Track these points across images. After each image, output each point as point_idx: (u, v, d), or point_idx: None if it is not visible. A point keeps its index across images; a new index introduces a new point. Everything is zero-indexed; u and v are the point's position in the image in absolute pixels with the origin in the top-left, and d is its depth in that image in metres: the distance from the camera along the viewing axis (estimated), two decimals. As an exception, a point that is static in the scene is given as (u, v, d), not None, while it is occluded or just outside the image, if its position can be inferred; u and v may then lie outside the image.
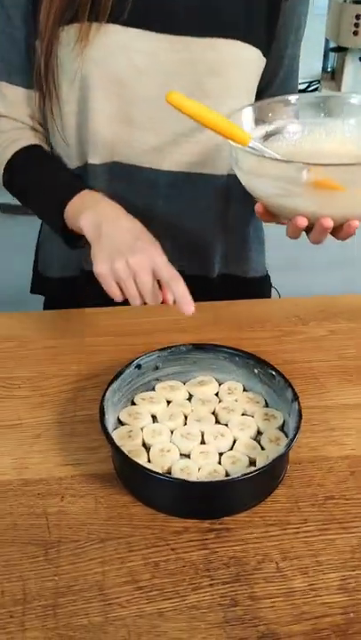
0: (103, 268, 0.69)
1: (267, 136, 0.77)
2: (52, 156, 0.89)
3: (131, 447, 0.65)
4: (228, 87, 0.81)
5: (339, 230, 0.66)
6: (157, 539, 0.58)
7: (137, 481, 0.62)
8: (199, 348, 0.73)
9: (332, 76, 2.01)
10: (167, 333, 0.85)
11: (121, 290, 0.69)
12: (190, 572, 0.56)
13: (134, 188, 0.88)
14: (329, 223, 0.63)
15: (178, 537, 0.59)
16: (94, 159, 0.85)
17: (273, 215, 0.69)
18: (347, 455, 0.67)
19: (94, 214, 0.74)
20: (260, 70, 0.84)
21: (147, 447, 0.66)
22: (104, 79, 0.79)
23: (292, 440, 0.60)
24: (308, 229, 0.66)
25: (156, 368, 0.73)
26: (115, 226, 0.72)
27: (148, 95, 0.81)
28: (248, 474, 0.57)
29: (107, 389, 0.67)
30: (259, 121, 0.77)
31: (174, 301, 0.68)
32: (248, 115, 0.76)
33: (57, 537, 0.59)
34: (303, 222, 0.64)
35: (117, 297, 0.69)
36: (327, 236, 0.66)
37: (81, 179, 0.87)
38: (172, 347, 0.73)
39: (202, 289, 0.98)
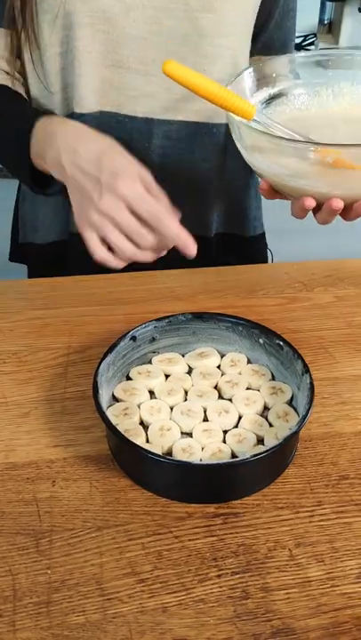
0: (79, 223, 0.60)
1: (270, 99, 0.70)
2: (19, 95, 0.79)
3: (127, 426, 0.59)
4: (223, 24, 0.75)
5: (348, 211, 0.60)
6: (159, 526, 0.54)
7: (135, 463, 0.57)
8: (199, 317, 0.68)
9: (330, 28, 1.91)
10: (162, 302, 0.79)
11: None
12: (196, 562, 0.51)
13: (125, 140, 0.81)
14: (339, 204, 0.58)
15: (181, 523, 0.54)
16: (81, 108, 0.78)
17: (278, 193, 0.63)
18: (360, 431, 0.62)
19: (54, 149, 0.64)
20: (256, 8, 0.77)
21: (145, 425, 0.61)
22: (90, 16, 0.72)
23: (304, 417, 0.55)
24: (315, 209, 0.60)
25: (153, 340, 0.67)
26: (74, 160, 0.61)
27: (137, 34, 0.73)
28: (258, 455, 0.52)
29: (100, 363, 0.61)
30: (261, 82, 0.69)
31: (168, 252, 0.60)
32: (249, 78, 0.69)
33: (49, 526, 0.54)
34: (311, 203, 0.58)
35: (100, 256, 0.59)
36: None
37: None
38: (170, 316, 0.67)
39: (199, 249, 0.92)
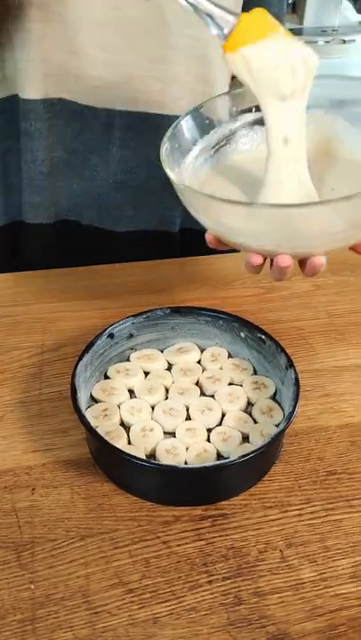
0: None
1: (218, 144, 0.62)
2: None
3: (108, 428, 0.57)
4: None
5: (303, 267, 0.54)
6: (145, 532, 0.52)
7: (118, 467, 0.55)
8: (177, 311, 0.66)
9: (293, 8, 1.88)
10: (136, 295, 0.77)
11: None
12: (185, 569, 0.49)
13: (83, 131, 0.78)
14: (286, 261, 0.51)
15: (168, 528, 0.52)
16: (29, 92, 0.74)
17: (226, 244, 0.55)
18: (346, 424, 0.61)
19: None
20: None
21: (126, 427, 0.58)
22: None
23: (291, 414, 0.54)
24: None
25: (131, 336, 0.65)
26: None
27: (96, 19, 0.69)
28: (245, 455, 0.51)
29: (77, 364, 0.58)
30: (238, 110, 0.62)
31: None
32: (224, 104, 0.62)
33: (29, 537, 0.51)
34: (258, 260, 0.52)
35: None
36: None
37: None
38: (148, 312, 0.65)
39: (164, 246, 0.90)
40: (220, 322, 0.65)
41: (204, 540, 0.51)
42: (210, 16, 0.50)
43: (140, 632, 0.45)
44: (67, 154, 0.80)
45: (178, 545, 0.51)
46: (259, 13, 0.51)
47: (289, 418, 0.53)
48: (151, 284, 0.79)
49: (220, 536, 0.51)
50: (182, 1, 0.50)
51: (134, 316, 0.64)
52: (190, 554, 0.50)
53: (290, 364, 0.58)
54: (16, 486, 0.55)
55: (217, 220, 0.52)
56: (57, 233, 0.86)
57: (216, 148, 0.62)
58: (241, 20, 0.50)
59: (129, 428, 0.58)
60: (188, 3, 0.50)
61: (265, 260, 0.53)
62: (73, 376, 0.57)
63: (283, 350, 0.60)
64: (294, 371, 0.58)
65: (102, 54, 0.72)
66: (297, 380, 0.57)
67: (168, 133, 0.57)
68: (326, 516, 0.53)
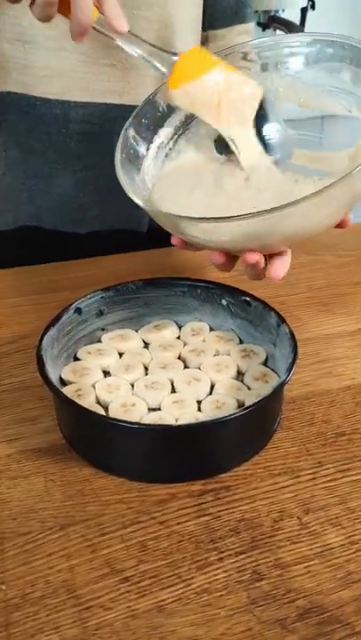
0: None
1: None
2: None
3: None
4: None
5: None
6: (138, 513, 0.43)
7: (98, 444, 0.47)
8: (151, 283, 0.59)
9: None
10: (102, 286, 0.70)
11: None
12: (190, 548, 0.41)
13: (38, 126, 0.73)
14: (253, 257, 0.48)
15: (164, 507, 0.44)
16: None
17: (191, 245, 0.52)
18: (347, 386, 0.55)
19: None
20: None
21: (103, 405, 0.51)
22: None
23: (292, 364, 0.47)
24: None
25: (101, 314, 0.58)
26: None
27: None
28: (247, 408, 0.44)
29: (42, 337, 0.51)
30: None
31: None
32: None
33: (-3, 533, 0.42)
34: (219, 259, 0.50)
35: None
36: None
37: None
38: (118, 285, 0.59)
39: (132, 245, 0.84)
40: (199, 290, 0.59)
41: (209, 515, 0.43)
42: (152, 59, 0.53)
43: (144, 624, 0.36)
44: (21, 152, 0.75)
45: (178, 524, 0.43)
46: (197, 51, 0.55)
47: (290, 368, 0.47)
48: (118, 273, 0.73)
49: (225, 509, 0.44)
50: (124, 46, 0.52)
51: (103, 289, 0.58)
52: (193, 531, 0.42)
53: (281, 320, 0.53)
54: (-23, 481, 0.46)
55: (183, 233, 0.50)
56: (17, 239, 0.79)
57: (174, 139, 0.60)
58: (180, 58, 0.53)
59: (107, 408, 0.50)
60: (131, 50, 0.52)
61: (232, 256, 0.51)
62: (38, 349, 0.49)
63: (271, 309, 0.54)
64: (287, 325, 0.52)
65: (53, 42, 0.68)
66: (292, 333, 0.51)
67: (118, 143, 0.55)
68: (343, 477, 0.46)
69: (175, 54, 0.53)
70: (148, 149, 0.58)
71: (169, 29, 0.70)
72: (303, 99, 0.57)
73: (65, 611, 0.37)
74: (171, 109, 0.59)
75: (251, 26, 0.80)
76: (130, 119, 0.57)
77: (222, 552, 0.41)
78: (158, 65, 0.53)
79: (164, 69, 0.53)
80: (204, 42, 0.78)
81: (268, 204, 0.44)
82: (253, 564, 0.40)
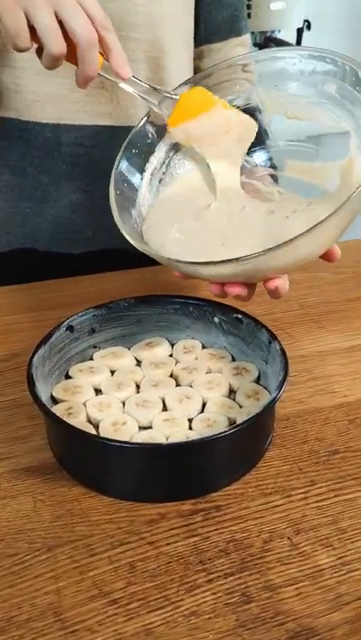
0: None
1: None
2: None
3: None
4: (129, 14, 0.67)
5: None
6: (127, 533, 0.43)
7: (88, 463, 0.46)
8: (143, 301, 0.59)
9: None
10: (96, 303, 0.70)
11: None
12: (179, 570, 0.40)
13: (30, 150, 0.73)
14: (235, 290, 0.50)
15: (154, 527, 0.43)
16: None
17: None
18: (340, 404, 0.55)
19: None
20: None
21: (94, 424, 0.51)
22: None
23: (282, 381, 0.47)
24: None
25: (93, 331, 0.58)
26: None
27: None
28: (235, 427, 0.44)
29: (33, 355, 0.51)
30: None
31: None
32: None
33: (-16, 554, 0.42)
34: (215, 290, 0.51)
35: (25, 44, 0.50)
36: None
37: None
38: (110, 303, 0.59)
39: (125, 264, 0.84)
40: (191, 308, 0.59)
41: (198, 536, 0.43)
42: (152, 99, 0.55)
43: (130, 648, 0.36)
44: (14, 176, 0.75)
45: (167, 544, 0.42)
46: (197, 91, 0.57)
47: (281, 385, 0.47)
48: (109, 292, 0.73)
49: (215, 530, 0.43)
50: (126, 88, 0.54)
51: (96, 307, 0.58)
52: (182, 552, 0.42)
53: (273, 337, 0.53)
54: (-35, 501, 0.46)
55: (182, 271, 0.52)
56: (12, 260, 0.80)
57: (166, 162, 0.60)
58: (181, 98, 0.55)
59: (97, 427, 0.50)
60: (132, 91, 0.55)
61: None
62: (29, 367, 0.49)
63: (263, 326, 0.54)
64: (278, 342, 0.52)
65: (41, 65, 0.69)
66: (283, 351, 0.51)
67: (111, 180, 0.56)
68: (335, 496, 0.46)
69: (175, 95, 0.55)
70: (142, 178, 0.59)
71: (159, 49, 0.71)
72: (290, 111, 0.58)
73: (51, 634, 0.37)
74: (160, 134, 0.59)
75: (246, 38, 0.80)
76: (120, 153, 0.58)
77: (211, 573, 0.40)
78: (157, 105, 0.55)
79: (163, 110, 0.55)
80: (200, 57, 0.79)
81: (252, 242, 0.47)
82: (243, 586, 0.39)
